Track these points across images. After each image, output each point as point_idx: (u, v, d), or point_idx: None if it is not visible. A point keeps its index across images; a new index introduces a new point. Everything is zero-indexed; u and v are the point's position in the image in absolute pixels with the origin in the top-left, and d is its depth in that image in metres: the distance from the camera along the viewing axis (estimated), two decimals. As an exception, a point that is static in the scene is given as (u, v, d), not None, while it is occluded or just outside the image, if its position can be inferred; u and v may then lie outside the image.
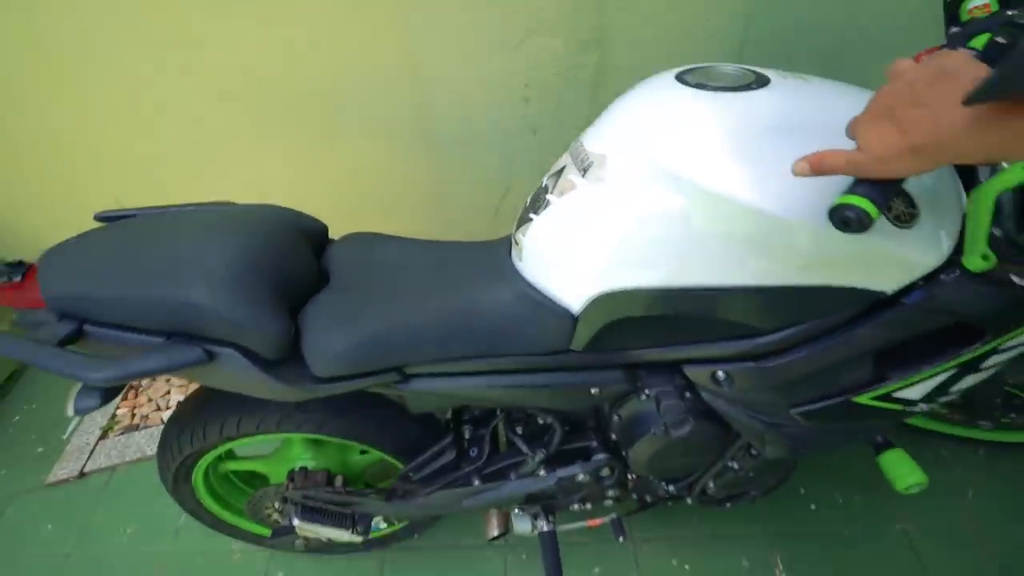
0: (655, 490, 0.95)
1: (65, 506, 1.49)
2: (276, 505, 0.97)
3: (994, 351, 0.63)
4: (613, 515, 0.99)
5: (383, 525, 1.01)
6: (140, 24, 1.15)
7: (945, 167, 0.58)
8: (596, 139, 0.63)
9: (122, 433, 1.66)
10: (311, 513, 0.89)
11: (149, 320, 0.64)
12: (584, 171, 0.63)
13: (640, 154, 0.58)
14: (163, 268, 0.63)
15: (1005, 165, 0.49)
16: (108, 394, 0.69)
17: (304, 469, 0.91)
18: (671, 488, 0.92)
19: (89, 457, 1.60)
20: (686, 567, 1.17)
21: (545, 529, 0.94)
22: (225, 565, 1.28)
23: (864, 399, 0.67)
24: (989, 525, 1.15)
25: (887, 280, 0.58)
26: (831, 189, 0.49)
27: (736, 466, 0.85)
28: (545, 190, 0.68)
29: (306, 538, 1.00)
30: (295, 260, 0.70)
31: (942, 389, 0.67)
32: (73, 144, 1.40)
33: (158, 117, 1.33)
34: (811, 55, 1.09)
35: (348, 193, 1.43)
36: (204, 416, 0.86)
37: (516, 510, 0.97)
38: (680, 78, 0.60)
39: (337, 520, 0.89)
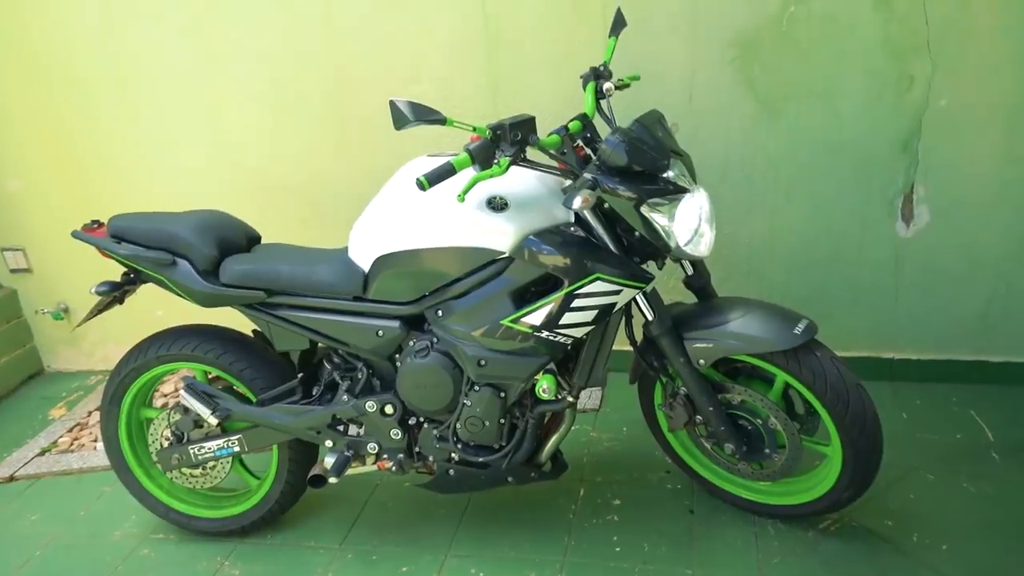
0: (429, 442, 1.94)
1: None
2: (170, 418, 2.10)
3: (575, 295, 1.69)
4: (399, 458, 1.97)
5: (236, 448, 2.05)
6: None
7: (539, 184, 1.76)
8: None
9: (58, 453, 2.87)
10: (193, 392, 2.01)
11: (153, 242, 1.96)
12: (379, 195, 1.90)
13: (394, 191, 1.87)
14: (163, 221, 1.99)
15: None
16: (115, 287, 1.99)
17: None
18: (436, 433, 1.92)
19: (22, 467, 2.81)
20: (481, 575, 2.01)
21: (346, 454, 1.96)
22: (102, 545, 2.32)
23: (506, 322, 1.72)
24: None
25: (499, 243, 1.70)
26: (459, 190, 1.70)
27: (469, 403, 1.84)
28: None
29: (180, 457, 2.08)
30: (229, 234, 2.00)
31: (553, 320, 1.69)
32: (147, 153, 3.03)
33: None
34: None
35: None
36: (147, 344, 2.10)
37: (329, 445, 2.00)
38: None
39: (206, 401, 1.99)
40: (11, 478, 2.76)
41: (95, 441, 2.91)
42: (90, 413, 3.15)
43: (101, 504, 2.52)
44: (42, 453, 2.88)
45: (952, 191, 2.42)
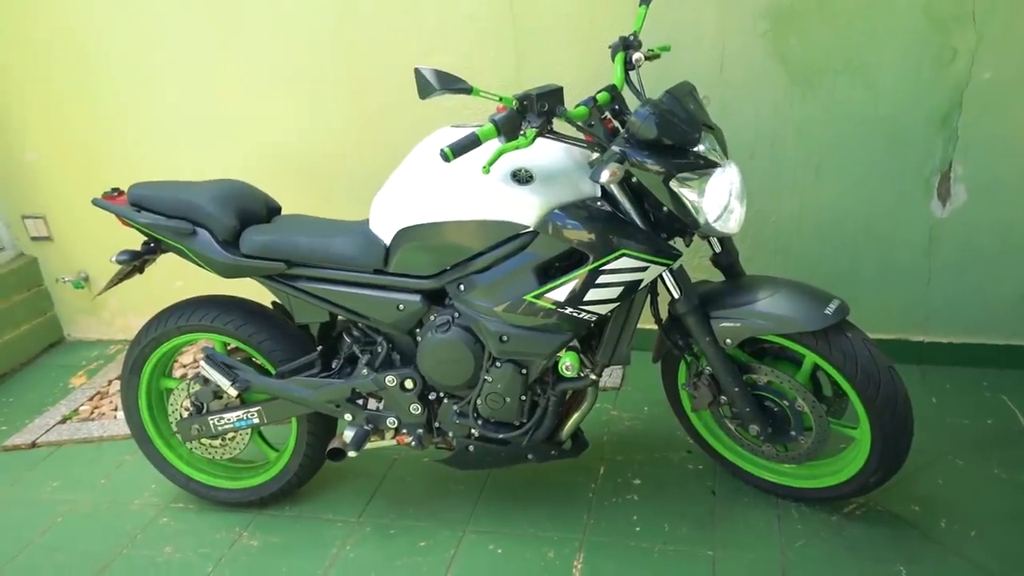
0: (448, 417, 1.93)
1: (10, 463, 2.71)
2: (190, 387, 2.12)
3: (601, 272, 1.66)
4: (418, 433, 1.97)
5: (255, 419, 2.07)
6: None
7: (565, 157, 1.73)
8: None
9: (79, 421, 2.91)
10: (213, 363, 2.02)
11: (173, 211, 1.96)
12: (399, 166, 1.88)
13: (417, 158, 1.84)
14: (183, 190, 1.98)
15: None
16: (134, 256, 2.00)
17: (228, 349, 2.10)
18: (456, 409, 1.91)
19: (44, 434, 2.85)
20: (499, 551, 2.00)
21: (365, 428, 1.96)
22: (122, 513, 2.35)
23: (529, 297, 1.71)
24: (796, 570, 1.86)
25: (524, 217, 1.68)
26: (484, 162, 1.67)
27: (490, 379, 1.84)
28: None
29: (199, 428, 2.10)
30: (249, 204, 2.00)
31: (577, 297, 1.67)
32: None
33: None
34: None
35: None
36: (167, 314, 2.10)
37: (349, 419, 2.01)
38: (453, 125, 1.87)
39: (225, 372, 2.00)
40: (33, 444, 2.80)
41: (115, 410, 2.95)
42: (110, 382, 3.18)
43: (121, 472, 2.56)
44: (63, 421, 2.92)
45: (992, 169, 2.35)
